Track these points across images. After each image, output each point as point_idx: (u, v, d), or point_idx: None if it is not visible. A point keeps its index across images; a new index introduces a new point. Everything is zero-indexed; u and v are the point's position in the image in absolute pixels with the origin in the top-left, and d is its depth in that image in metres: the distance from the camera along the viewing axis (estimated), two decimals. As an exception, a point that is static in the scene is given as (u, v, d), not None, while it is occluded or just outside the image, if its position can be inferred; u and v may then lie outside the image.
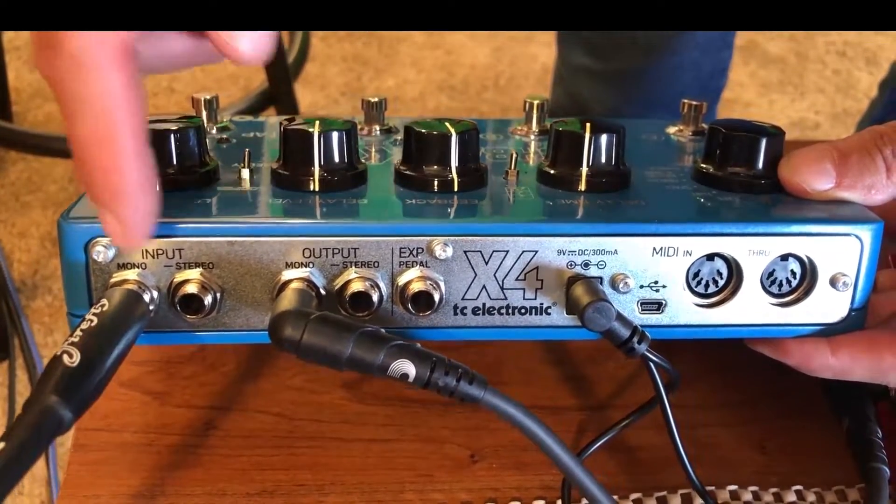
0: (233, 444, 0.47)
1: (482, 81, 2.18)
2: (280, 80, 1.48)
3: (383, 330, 0.33)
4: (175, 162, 0.38)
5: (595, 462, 0.44)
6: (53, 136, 1.56)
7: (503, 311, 0.38)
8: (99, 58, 0.29)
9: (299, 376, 0.50)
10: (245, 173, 0.39)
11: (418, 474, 0.45)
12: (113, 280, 0.35)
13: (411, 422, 0.48)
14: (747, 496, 0.43)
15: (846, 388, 0.46)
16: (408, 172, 0.40)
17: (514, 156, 0.42)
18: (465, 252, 0.36)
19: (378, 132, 0.48)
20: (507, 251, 0.37)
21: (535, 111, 0.49)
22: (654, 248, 0.37)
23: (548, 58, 1.24)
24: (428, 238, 0.36)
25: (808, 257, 0.38)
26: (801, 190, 0.40)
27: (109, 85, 0.29)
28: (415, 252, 0.36)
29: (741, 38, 2.23)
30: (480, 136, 0.41)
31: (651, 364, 0.37)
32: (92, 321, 0.32)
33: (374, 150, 0.46)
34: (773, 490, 0.44)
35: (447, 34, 2.32)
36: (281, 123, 0.39)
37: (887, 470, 0.42)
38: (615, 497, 0.43)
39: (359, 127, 0.49)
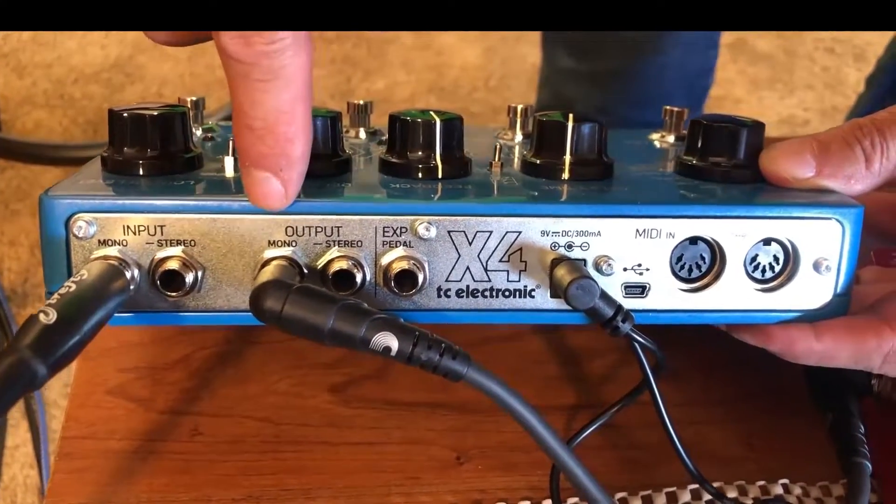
0: (219, 450, 0.46)
1: (472, 82, 2.18)
2: None
3: (365, 304, 0.33)
4: (159, 146, 0.38)
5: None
6: (42, 143, 1.56)
7: (487, 293, 0.38)
8: (300, 37, 0.33)
9: (285, 381, 0.50)
10: (229, 161, 0.40)
11: (405, 477, 0.45)
12: (94, 256, 0.35)
13: (397, 424, 0.48)
14: (733, 492, 0.43)
15: (830, 384, 0.46)
16: (392, 160, 0.40)
17: (499, 147, 0.42)
18: (448, 232, 0.36)
19: (364, 135, 0.49)
20: (491, 231, 0.37)
21: (518, 116, 0.49)
22: (637, 230, 0.37)
23: (538, 58, 1.24)
24: (412, 217, 0.36)
25: (790, 241, 0.38)
26: (781, 179, 0.40)
27: (304, 61, 0.33)
28: (398, 231, 0.36)
29: (730, 35, 2.26)
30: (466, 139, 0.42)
31: (636, 345, 0.37)
32: (70, 287, 0.32)
33: (359, 151, 0.46)
34: (760, 483, 0.44)
35: (436, 35, 2.31)
36: None
37: (869, 465, 0.42)
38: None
39: (345, 130, 0.50)
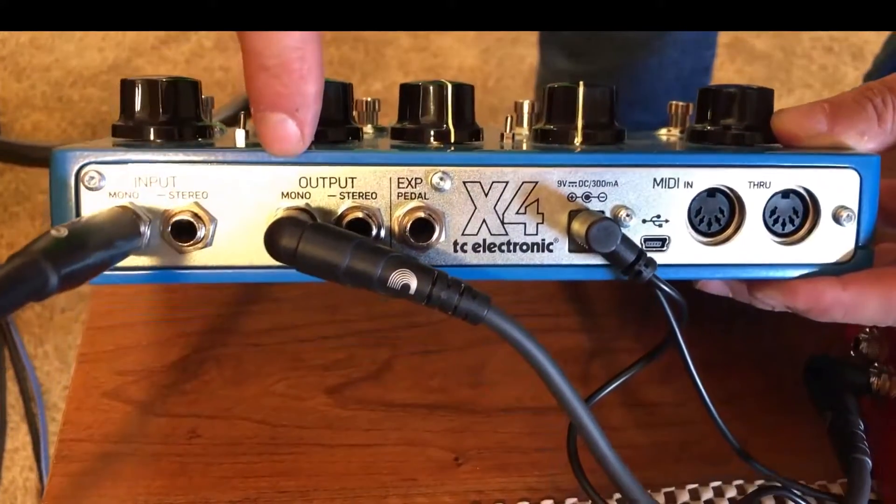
0: (215, 452, 0.45)
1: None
2: None
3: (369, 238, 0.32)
4: (171, 112, 0.38)
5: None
6: (41, 145, 1.54)
7: (504, 247, 0.37)
8: None
9: (282, 382, 0.49)
10: (240, 134, 0.39)
11: (402, 478, 0.45)
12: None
13: (394, 426, 0.47)
14: (731, 492, 0.43)
15: (828, 383, 0.45)
16: (404, 126, 0.39)
17: (510, 118, 0.42)
18: (464, 183, 0.36)
19: (371, 130, 0.49)
20: (507, 182, 0.36)
21: (525, 112, 0.49)
22: (655, 180, 0.37)
23: (535, 59, 1.25)
24: (426, 168, 0.35)
25: (808, 192, 0.37)
26: (794, 136, 0.40)
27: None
28: (413, 183, 0.36)
29: (727, 35, 2.26)
30: None
31: (660, 293, 0.36)
32: (81, 219, 0.30)
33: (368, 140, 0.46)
34: (759, 482, 0.44)
35: (434, 37, 2.30)
36: None
37: (869, 461, 0.41)
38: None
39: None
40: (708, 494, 0.43)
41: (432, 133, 0.39)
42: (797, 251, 0.38)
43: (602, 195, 0.36)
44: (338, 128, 0.39)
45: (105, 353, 0.49)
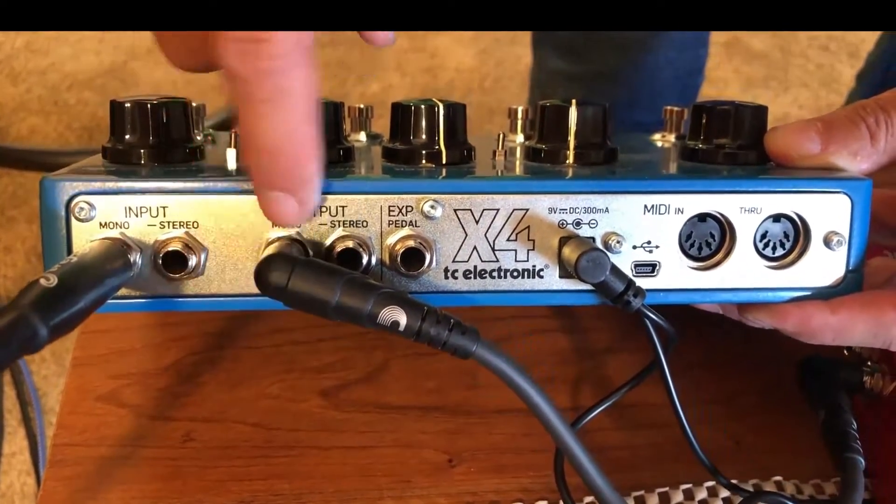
0: (210, 456, 0.46)
1: (468, 84, 2.17)
2: None
3: (372, 279, 0.32)
4: (161, 135, 0.37)
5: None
6: (38, 150, 1.54)
7: (495, 273, 0.37)
8: (302, 53, 0.32)
9: (276, 385, 0.49)
10: (231, 153, 0.39)
11: (396, 480, 0.45)
12: (95, 239, 0.34)
13: (389, 428, 0.48)
14: (725, 492, 0.43)
15: (822, 381, 0.46)
16: (395, 146, 0.39)
17: (502, 135, 0.41)
18: (455, 211, 0.36)
19: (365, 138, 0.48)
20: (498, 209, 0.36)
21: (519, 118, 0.49)
22: (646, 206, 0.37)
23: (531, 60, 1.28)
24: (417, 196, 0.35)
25: (799, 216, 0.38)
26: (787, 156, 0.40)
27: (307, 76, 0.32)
28: (404, 211, 0.35)
29: (724, 34, 2.26)
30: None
31: (648, 322, 0.37)
32: (72, 259, 0.31)
33: (362, 156, 0.46)
34: (753, 482, 0.44)
35: (430, 37, 2.30)
36: None
37: (862, 460, 0.41)
38: (591, 499, 0.42)
39: (346, 134, 0.49)
40: (702, 494, 0.44)
41: (424, 155, 0.39)
42: (787, 275, 0.38)
43: (593, 221, 0.36)
44: (330, 148, 0.38)
45: (99, 356, 0.50)
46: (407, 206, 0.36)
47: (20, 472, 1.27)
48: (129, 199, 0.34)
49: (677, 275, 0.38)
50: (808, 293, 0.38)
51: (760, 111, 0.41)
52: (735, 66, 2.25)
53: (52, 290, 0.28)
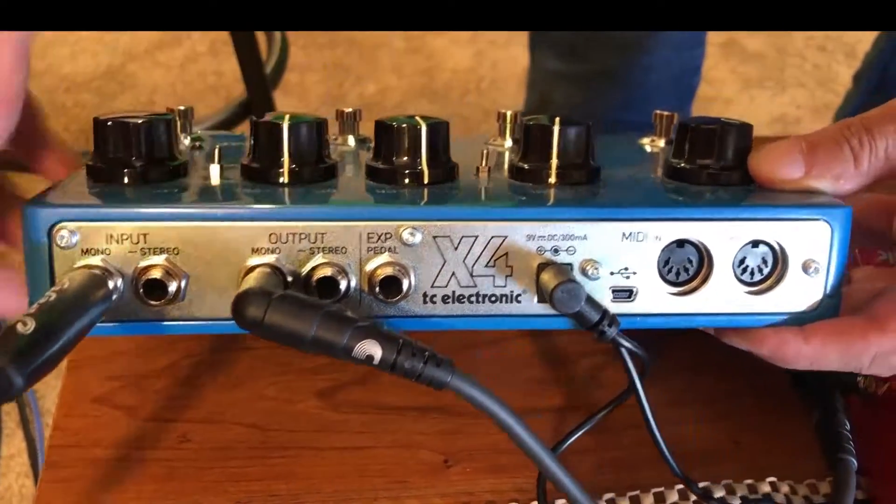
0: (207, 457, 0.46)
1: (464, 85, 2.19)
2: (258, 89, 1.47)
3: (349, 311, 0.33)
4: (143, 154, 0.38)
5: (566, 463, 0.44)
6: None
7: (473, 298, 0.37)
8: None
9: (273, 386, 0.50)
10: (214, 169, 0.39)
11: (392, 481, 0.45)
12: (77, 265, 0.35)
13: (385, 428, 0.48)
14: (720, 491, 0.43)
15: (816, 382, 0.46)
16: (378, 165, 0.39)
17: (486, 153, 0.42)
18: (433, 237, 0.36)
19: (353, 142, 0.49)
20: (477, 236, 0.36)
21: (508, 122, 0.49)
22: (624, 233, 0.37)
23: (528, 60, 1.30)
24: (396, 223, 0.36)
25: (778, 243, 0.38)
26: (771, 180, 0.40)
27: None
28: (383, 237, 0.36)
29: (721, 35, 2.28)
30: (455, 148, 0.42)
31: (623, 349, 0.37)
32: (50, 297, 0.31)
33: (348, 158, 0.46)
34: (748, 482, 0.44)
35: (427, 39, 2.32)
36: (252, 119, 0.39)
37: (854, 461, 0.42)
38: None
39: (334, 138, 0.49)
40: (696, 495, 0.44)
41: (406, 175, 0.39)
42: (765, 300, 0.38)
43: (571, 248, 0.37)
44: (313, 167, 0.39)
45: (94, 358, 0.50)
46: (386, 233, 0.36)
47: (18, 474, 1.29)
48: (110, 227, 0.35)
49: (655, 300, 0.38)
50: (785, 318, 0.39)
51: (745, 131, 0.41)
52: (732, 66, 2.26)
53: (29, 337, 0.29)
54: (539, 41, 1.23)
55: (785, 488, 0.44)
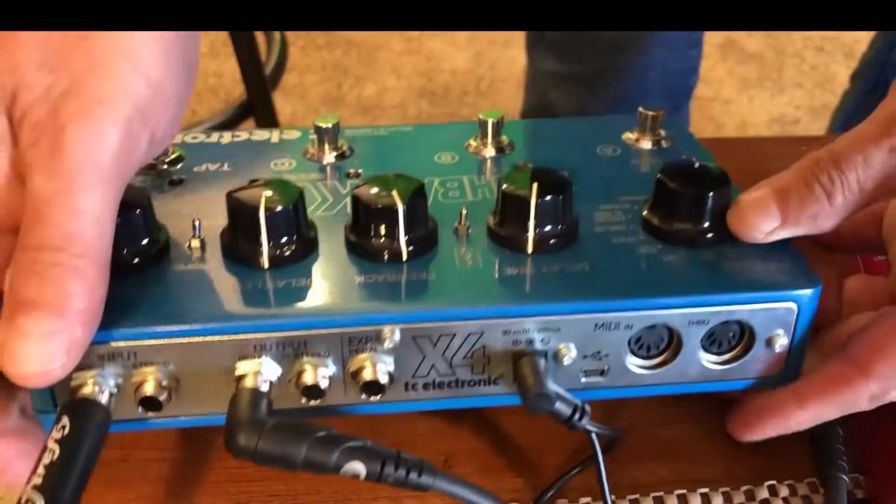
0: (206, 456, 0.47)
1: (463, 86, 2.20)
2: (258, 90, 1.48)
3: (334, 429, 0.35)
4: (122, 247, 0.38)
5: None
6: None
7: (453, 384, 0.39)
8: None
9: (273, 386, 0.51)
10: (195, 244, 0.40)
11: None
12: (73, 383, 0.36)
13: (385, 428, 0.47)
14: (718, 499, 0.44)
15: None
16: (357, 242, 0.40)
17: (465, 212, 0.42)
18: (413, 337, 0.37)
19: (332, 158, 0.48)
20: (454, 334, 0.38)
21: (489, 129, 0.49)
22: (597, 324, 0.38)
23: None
24: (376, 328, 0.37)
25: (747, 323, 0.39)
26: (750, 237, 0.40)
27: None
28: (364, 339, 0.37)
29: (719, 35, 2.30)
30: (434, 157, 0.45)
31: (593, 436, 0.39)
32: (54, 452, 0.33)
33: (325, 190, 0.46)
34: (745, 488, 0.45)
35: (426, 40, 2.32)
36: (228, 194, 0.39)
37: (847, 479, 0.43)
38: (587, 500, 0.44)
39: (310, 154, 0.49)
40: (695, 501, 0.44)
41: (385, 254, 0.40)
42: (730, 369, 0.40)
43: (545, 339, 0.38)
44: (293, 246, 0.39)
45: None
46: (367, 336, 0.37)
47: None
48: (101, 347, 0.36)
49: (626, 375, 0.40)
50: (750, 382, 0.41)
51: (722, 193, 0.41)
52: (729, 66, 2.23)
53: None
54: (535, 42, 1.21)
55: (784, 491, 0.44)
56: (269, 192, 0.39)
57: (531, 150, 0.51)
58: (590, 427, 0.38)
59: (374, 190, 0.40)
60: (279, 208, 0.39)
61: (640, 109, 0.50)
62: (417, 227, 0.40)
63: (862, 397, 0.39)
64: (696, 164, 0.42)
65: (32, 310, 0.32)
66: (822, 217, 0.39)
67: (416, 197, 0.40)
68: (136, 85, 0.35)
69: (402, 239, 0.39)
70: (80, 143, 0.33)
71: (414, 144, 0.52)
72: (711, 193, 0.41)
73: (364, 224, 0.40)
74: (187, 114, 0.53)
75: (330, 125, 0.48)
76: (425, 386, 0.39)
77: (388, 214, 0.39)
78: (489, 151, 0.50)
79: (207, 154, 0.50)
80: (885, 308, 0.42)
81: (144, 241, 0.39)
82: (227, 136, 0.52)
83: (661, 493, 0.44)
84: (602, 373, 0.40)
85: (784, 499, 0.44)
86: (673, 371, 0.40)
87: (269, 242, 0.39)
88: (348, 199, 0.45)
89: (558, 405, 0.37)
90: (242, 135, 0.52)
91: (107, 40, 0.35)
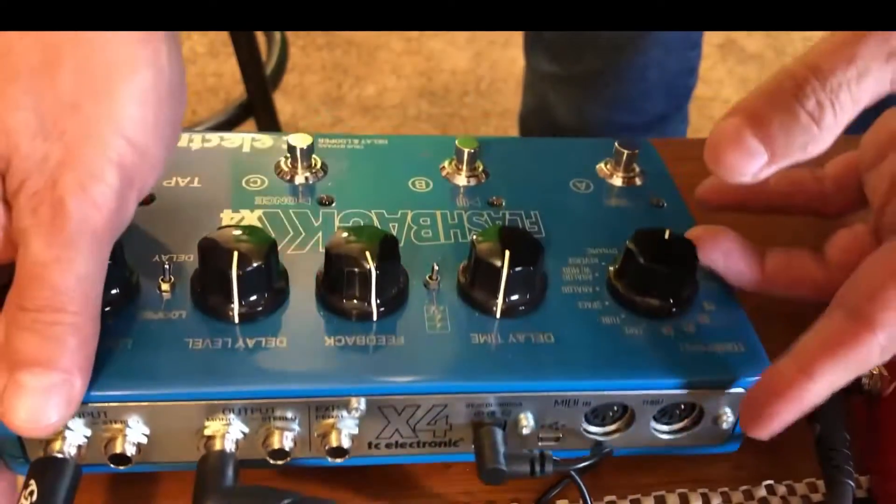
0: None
1: (463, 86, 2.17)
2: (258, 90, 1.46)
3: (299, 495, 0.36)
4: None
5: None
6: None
7: (415, 444, 0.41)
8: None
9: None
10: (165, 287, 0.41)
11: (392, 480, 0.46)
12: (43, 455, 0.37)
13: None
14: (717, 499, 0.44)
15: None
16: (328, 298, 0.41)
17: (436, 268, 0.42)
18: (379, 407, 0.39)
19: (304, 178, 0.48)
20: (419, 406, 0.39)
21: (465, 159, 0.49)
22: (556, 401, 0.39)
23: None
24: (344, 398, 0.38)
25: (698, 404, 0.41)
26: (737, 181, 0.36)
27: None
28: (330, 407, 0.38)
29: (719, 36, 2.29)
30: (408, 183, 0.47)
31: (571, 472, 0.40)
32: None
33: (297, 220, 0.46)
34: (744, 488, 0.45)
35: (426, 40, 2.28)
36: (199, 243, 0.40)
37: (853, 484, 0.41)
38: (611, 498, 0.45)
39: (282, 172, 0.49)
40: (696, 501, 0.45)
41: (355, 314, 0.40)
42: (678, 438, 0.42)
43: (506, 411, 0.40)
44: (263, 299, 0.40)
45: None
46: (333, 405, 0.38)
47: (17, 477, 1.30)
48: None
49: (580, 440, 0.41)
50: (696, 450, 0.43)
51: (689, 270, 0.42)
52: (729, 67, 2.21)
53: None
54: (533, 43, 1.18)
55: (782, 490, 0.45)
56: (241, 245, 0.39)
57: (504, 182, 0.51)
58: (558, 470, 0.39)
59: (347, 248, 0.40)
60: (251, 266, 0.39)
61: (617, 146, 0.51)
62: (389, 288, 0.41)
63: (873, 353, 0.36)
64: (666, 235, 0.43)
65: (34, 366, 0.34)
66: (814, 143, 0.35)
67: (389, 258, 0.40)
68: (126, 154, 0.37)
69: (374, 302, 0.40)
70: (78, 214, 0.35)
71: (388, 163, 0.52)
72: (677, 272, 0.42)
73: (336, 283, 0.40)
74: (187, 113, 0.52)
75: (305, 146, 0.48)
76: (388, 445, 0.40)
77: (361, 278, 0.40)
78: (462, 180, 0.50)
79: (177, 164, 0.49)
80: (873, 252, 0.39)
81: (114, 291, 0.39)
82: (197, 140, 0.51)
83: (662, 493, 0.45)
84: (557, 439, 0.41)
85: (782, 497, 0.45)
86: (625, 438, 0.42)
87: (240, 301, 0.39)
88: (320, 235, 0.45)
89: (515, 468, 0.38)
90: (213, 139, 0.52)
91: (97, 110, 0.36)
